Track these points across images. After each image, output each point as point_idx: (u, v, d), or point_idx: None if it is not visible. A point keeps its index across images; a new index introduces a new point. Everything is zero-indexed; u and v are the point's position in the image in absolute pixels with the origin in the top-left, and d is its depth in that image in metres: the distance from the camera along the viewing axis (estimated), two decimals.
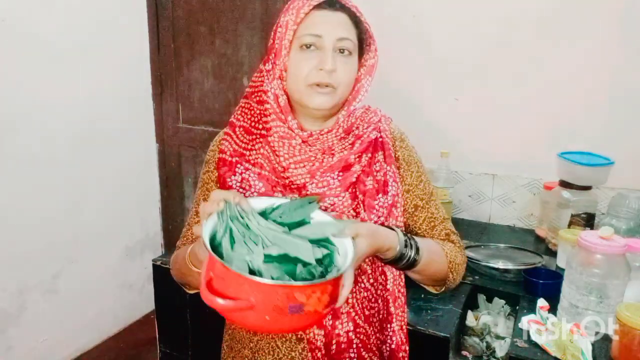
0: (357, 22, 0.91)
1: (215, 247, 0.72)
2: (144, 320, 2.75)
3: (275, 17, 2.56)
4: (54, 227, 2.27)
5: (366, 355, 0.94)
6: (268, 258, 0.71)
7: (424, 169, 1.03)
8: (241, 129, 0.97)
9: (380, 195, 0.93)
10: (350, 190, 0.93)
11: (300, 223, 0.80)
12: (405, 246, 0.88)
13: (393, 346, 0.97)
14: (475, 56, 1.98)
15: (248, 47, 2.43)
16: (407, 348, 0.98)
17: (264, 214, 0.80)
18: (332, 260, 0.77)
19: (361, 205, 0.92)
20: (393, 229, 0.89)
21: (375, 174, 0.94)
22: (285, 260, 0.72)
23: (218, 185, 0.97)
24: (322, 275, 0.74)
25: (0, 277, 2.08)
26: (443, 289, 1.03)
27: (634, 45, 1.74)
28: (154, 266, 1.76)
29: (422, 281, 1.00)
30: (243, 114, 0.97)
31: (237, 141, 0.96)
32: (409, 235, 0.92)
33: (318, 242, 0.77)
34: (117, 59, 2.48)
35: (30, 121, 2.11)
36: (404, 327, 0.99)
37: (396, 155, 0.99)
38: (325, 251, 0.76)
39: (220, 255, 0.70)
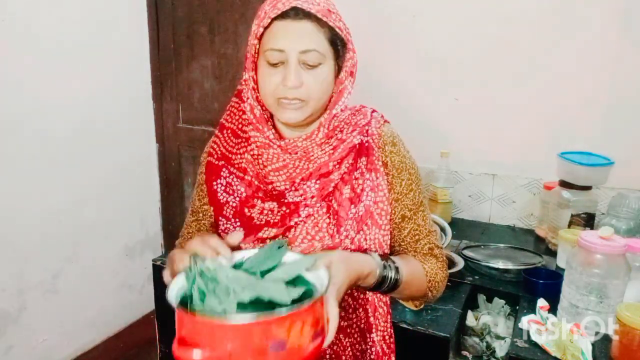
0: (328, 26, 0.85)
1: (186, 303, 0.69)
2: (144, 320, 2.75)
3: None
4: (54, 227, 2.27)
5: None
6: (241, 306, 0.67)
7: (417, 176, 0.97)
8: (229, 131, 0.96)
9: (352, 206, 0.89)
10: (327, 199, 0.90)
11: (272, 270, 0.76)
12: (385, 268, 0.85)
13: (372, 356, 0.95)
14: (475, 56, 1.98)
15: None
16: (393, 358, 0.97)
17: (235, 267, 0.76)
18: (311, 296, 0.71)
19: (333, 215, 0.89)
20: (368, 254, 0.86)
21: (353, 182, 0.90)
22: (261, 307, 0.67)
23: (206, 187, 0.98)
24: None
25: (0, 277, 2.08)
26: (422, 306, 1.02)
27: (634, 45, 1.74)
28: (154, 266, 1.76)
29: (401, 299, 0.98)
30: (232, 114, 0.96)
31: (225, 144, 0.96)
32: (386, 256, 0.90)
33: (294, 283, 0.73)
34: (117, 59, 2.48)
35: (30, 121, 2.11)
36: (387, 337, 0.97)
37: (384, 161, 0.93)
38: (302, 289, 0.70)
39: (191, 310, 0.67)
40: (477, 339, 1.37)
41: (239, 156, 0.94)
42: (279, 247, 0.78)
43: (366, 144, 0.93)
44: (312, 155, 0.90)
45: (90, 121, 2.36)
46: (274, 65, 0.84)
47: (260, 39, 0.86)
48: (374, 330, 0.95)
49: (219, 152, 0.96)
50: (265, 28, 0.84)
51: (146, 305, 2.74)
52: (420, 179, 0.99)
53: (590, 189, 1.68)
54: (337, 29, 0.86)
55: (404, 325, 1.26)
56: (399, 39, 2.09)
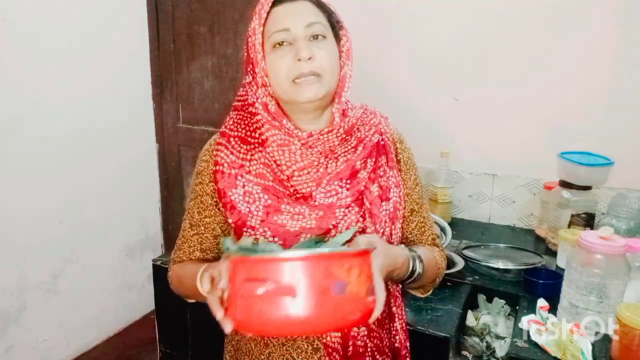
0: (321, 6, 0.88)
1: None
2: (144, 320, 2.75)
3: None
4: (54, 227, 2.27)
5: (380, 359, 0.93)
6: (298, 245, 0.70)
7: (418, 170, 1.02)
8: (236, 138, 0.92)
9: (383, 203, 0.91)
10: (358, 199, 0.90)
11: None
12: (414, 259, 0.88)
13: (397, 344, 0.96)
14: (475, 56, 1.98)
15: None
16: (408, 345, 0.99)
17: None
18: None
19: (367, 214, 0.89)
20: (398, 246, 0.89)
21: (379, 179, 0.92)
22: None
23: (215, 198, 0.92)
24: None
25: (0, 277, 2.08)
26: (428, 293, 1.03)
27: (634, 45, 1.74)
28: (154, 266, 1.76)
29: (413, 288, 0.99)
30: (236, 124, 0.93)
31: (234, 152, 0.91)
32: (410, 248, 0.91)
33: None
34: (117, 59, 2.48)
35: (30, 121, 2.11)
36: (404, 325, 0.99)
37: (397, 158, 0.97)
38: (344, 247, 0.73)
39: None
40: (477, 339, 1.37)
41: (253, 162, 0.90)
42: (315, 243, 0.80)
43: (382, 142, 0.95)
44: (337, 153, 0.90)
45: (90, 121, 2.36)
46: (281, 47, 0.85)
47: (264, 26, 0.86)
48: (396, 319, 0.96)
49: (228, 160, 0.91)
50: (266, 16, 0.86)
51: (146, 305, 2.75)
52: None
53: (590, 189, 1.68)
54: (332, 9, 0.89)
55: None
56: (398, 39, 2.09)
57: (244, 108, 0.92)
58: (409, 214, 0.98)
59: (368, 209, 0.89)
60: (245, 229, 0.89)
